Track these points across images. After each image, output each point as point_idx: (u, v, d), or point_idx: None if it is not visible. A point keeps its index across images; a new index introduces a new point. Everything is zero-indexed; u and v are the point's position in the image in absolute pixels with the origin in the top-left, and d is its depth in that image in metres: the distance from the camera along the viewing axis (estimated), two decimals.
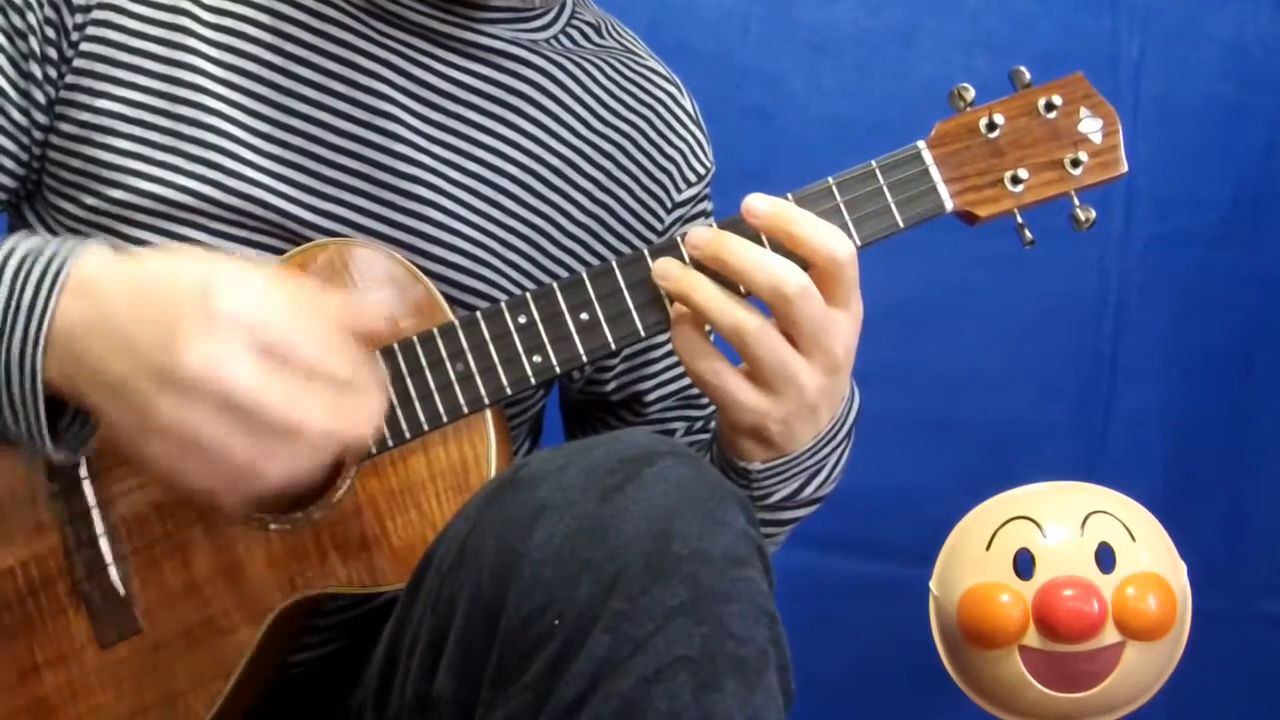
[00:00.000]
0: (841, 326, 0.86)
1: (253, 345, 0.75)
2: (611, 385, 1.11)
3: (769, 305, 0.84)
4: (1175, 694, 1.27)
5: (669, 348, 1.11)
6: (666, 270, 0.87)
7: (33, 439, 0.81)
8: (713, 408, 1.16)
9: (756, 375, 0.86)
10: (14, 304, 0.79)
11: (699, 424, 1.15)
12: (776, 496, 0.95)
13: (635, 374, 1.11)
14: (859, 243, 0.88)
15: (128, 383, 0.76)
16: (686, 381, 1.13)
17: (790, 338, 0.85)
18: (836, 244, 0.84)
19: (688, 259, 0.87)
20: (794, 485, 0.95)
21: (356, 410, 0.80)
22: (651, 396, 1.12)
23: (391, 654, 0.83)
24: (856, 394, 0.95)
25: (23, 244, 0.81)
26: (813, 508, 1.00)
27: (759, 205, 0.85)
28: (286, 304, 0.78)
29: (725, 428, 0.91)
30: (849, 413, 0.95)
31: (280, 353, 0.76)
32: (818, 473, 0.96)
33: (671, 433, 1.14)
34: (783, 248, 0.85)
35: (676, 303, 0.87)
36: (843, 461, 0.98)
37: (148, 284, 0.78)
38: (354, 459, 0.88)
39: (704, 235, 0.86)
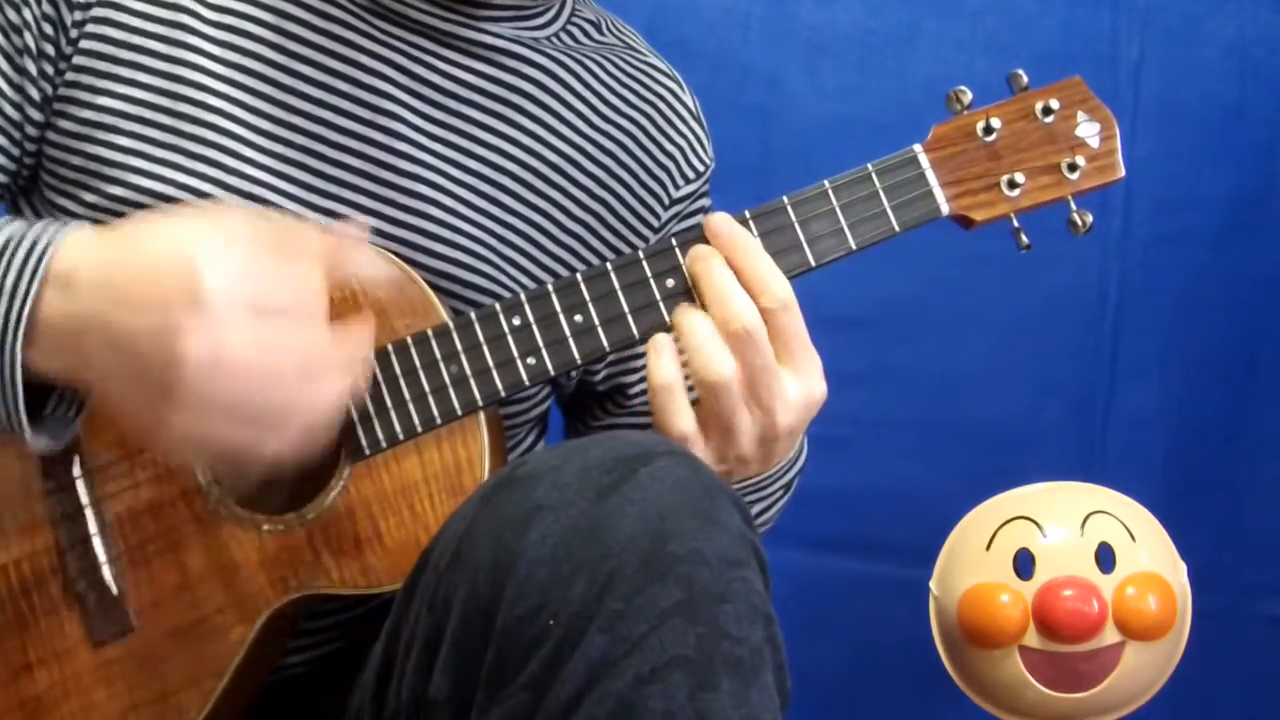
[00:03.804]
0: (783, 384, 0.86)
1: (248, 310, 0.76)
2: (599, 376, 1.11)
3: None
4: (1175, 694, 1.27)
5: None
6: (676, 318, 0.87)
7: (12, 427, 0.81)
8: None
9: (706, 417, 0.86)
10: None
11: None
12: None
13: (621, 366, 1.11)
14: (855, 246, 0.88)
15: (141, 380, 0.77)
16: None
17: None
18: (775, 285, 0.86)
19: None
20: None
21: (360, 333, 0.82)
22: (635, 390, 1.12)
23: (388, 654, 0.83)
24: (804, 454, 0.96)
25: (6, 229, 0.82)
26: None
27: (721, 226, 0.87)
28: (268, 258, 0.78)
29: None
30: (788, 470, 0.96)
31: (276, 307, 0.77)
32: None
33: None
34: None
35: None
36: (771, 512, 0.99)
37: (129, 274, 0.78)
38: (348, 459, 0.89)
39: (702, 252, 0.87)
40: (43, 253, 0.79)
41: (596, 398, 1.13)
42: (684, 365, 0.87)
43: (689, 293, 0.88)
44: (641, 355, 1.10)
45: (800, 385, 0.86)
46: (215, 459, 0.87)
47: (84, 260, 0.80)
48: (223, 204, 0.84)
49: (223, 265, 0.76)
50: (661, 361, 0.86)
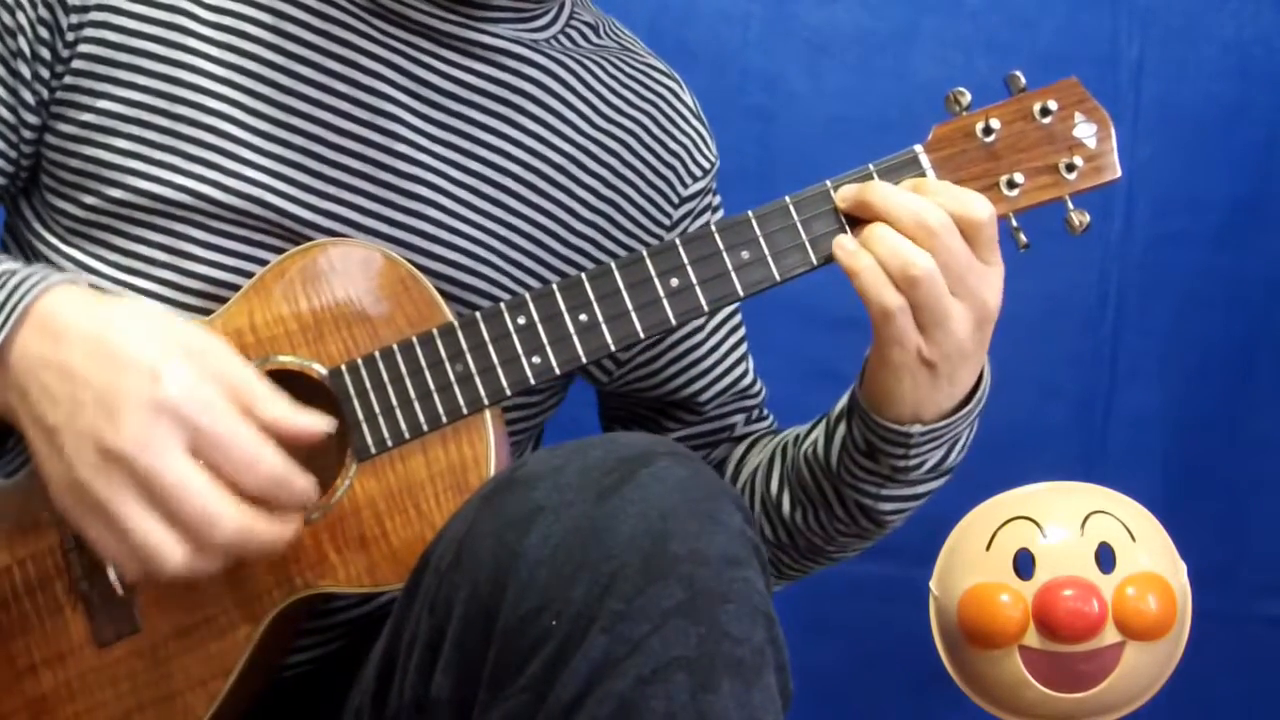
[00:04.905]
0: (989, 277, 0.87)
1: (186, 438, 0.78)
2: (665, 388, 1.11)
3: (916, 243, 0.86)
4: (1175, 694, 1.27)
5: (713, 344, 1.12)
6: (848, 194, 0.88)
7: None
8: (763, 394, 1.17)
9: (917, 314, 0.86)
10: None
11: (755, 413, 1.16)
12: (929, 464, 0.96)
13: (686, 375, 1.11)
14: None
15: (61, 433, 0.79)
16: (737, 375, 1.13)
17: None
18: (975, 205, 0.86)
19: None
20: (941, 452, 0.95)
21: (268, 529, 0.82)
22: (706, 396, 1.12)
23: (389, 654, 0.83)
24: (988, 374, 0.96)
25: (2, 264, 0.83)
26: (945, 479, 1.00)
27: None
28: (230, 404, 0.80)
29: (885, 381, 0.91)
30: (987, 387, 0.96)
31: (212, 453, 0.79)
32: (956, 441, 0.96)
33: (731, 426, 1.14)
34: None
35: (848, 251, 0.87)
36: (973, 434, 0.99)
37: (108, 344, 0.80)
38: (354, 458, 0.89)
39: (851, 188, 0.88)
40: (30, 291, 0.81)
41: (665, 409, 1.13)
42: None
43: (693, 289, 0.88)
44: (705, 359, 1.11)
45: (1000, 275, 0.88)
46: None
47: (72, 310, 0.82)
48: (215, 332, 0.87)
49: (187, 386, 0.79)
50: (851, 250, 0.86)
